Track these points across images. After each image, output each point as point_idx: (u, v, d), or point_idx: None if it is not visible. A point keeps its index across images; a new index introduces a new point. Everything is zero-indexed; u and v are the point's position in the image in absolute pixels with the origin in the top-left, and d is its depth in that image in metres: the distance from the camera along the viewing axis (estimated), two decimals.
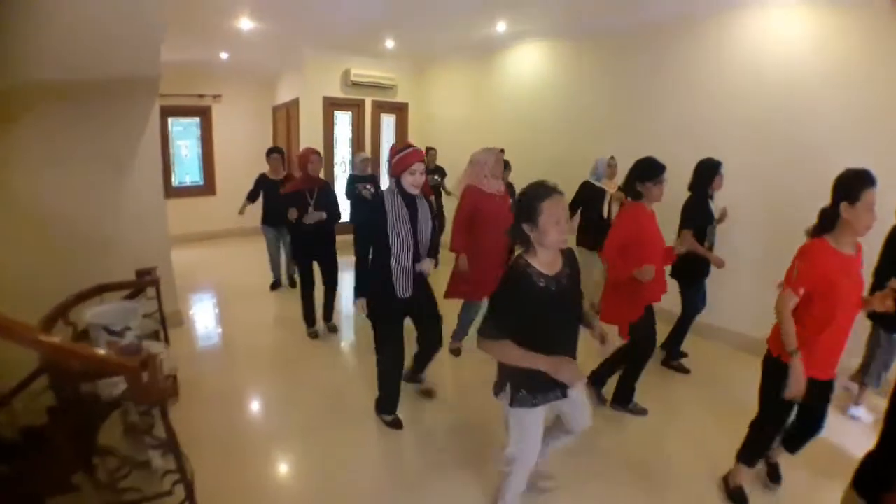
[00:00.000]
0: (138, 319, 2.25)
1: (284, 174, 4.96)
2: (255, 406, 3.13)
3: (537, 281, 1.63)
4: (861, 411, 2.98)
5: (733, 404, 3.02)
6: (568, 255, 1.78)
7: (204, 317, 4.66)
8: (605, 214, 4.14)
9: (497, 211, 3.18)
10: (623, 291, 2.66)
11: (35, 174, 2.99)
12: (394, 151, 2.57)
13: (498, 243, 3.22)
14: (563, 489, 2.30)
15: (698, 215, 3.20)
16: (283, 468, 2.53)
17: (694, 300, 3.44)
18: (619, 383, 2.97)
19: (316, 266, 3.92)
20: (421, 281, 2.67)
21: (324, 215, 3.72)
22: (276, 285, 5.34)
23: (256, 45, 5.86)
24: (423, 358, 2.99)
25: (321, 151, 4.39)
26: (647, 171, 2.58)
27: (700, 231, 3.18)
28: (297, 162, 3.94)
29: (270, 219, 4.97)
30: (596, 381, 3.05)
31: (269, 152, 4.96)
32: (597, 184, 4.19)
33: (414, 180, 2.51)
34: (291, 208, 3.67)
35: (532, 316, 1.63)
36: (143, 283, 2.76)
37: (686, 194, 3.30)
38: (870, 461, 1.78)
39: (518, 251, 1.76)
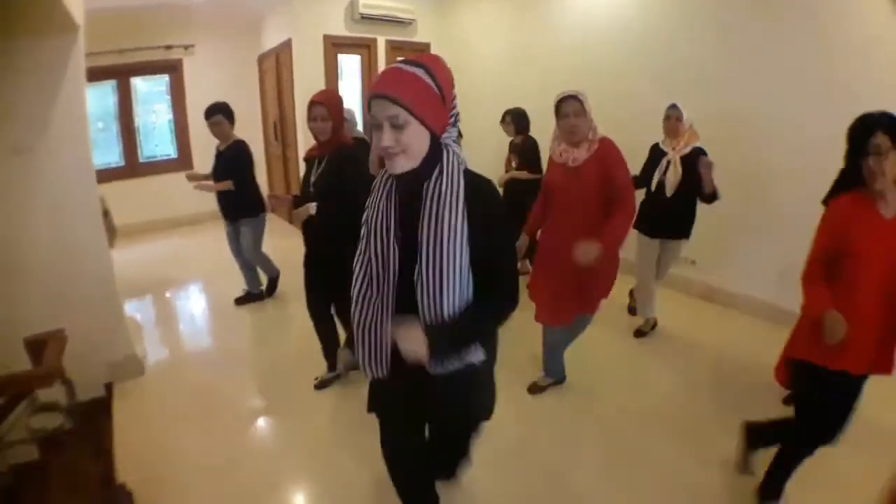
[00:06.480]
0: None
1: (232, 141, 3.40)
2: None
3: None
4: None
5: None
6: None
7: (177, 356, 3.19)
8: (654, 186, 2.84)
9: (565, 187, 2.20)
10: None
11: None
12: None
13: (573, 228, 2.14)
14: None
15: None
16: None
17: None
18: (769, 468, 1.82)
19: None
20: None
21: (312, 209, 2.32)
22: (244, 299, 3.84)
23: None
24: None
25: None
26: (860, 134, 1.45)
27: None
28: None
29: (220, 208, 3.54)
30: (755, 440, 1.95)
31: (209, 113, 3.29)
32: (660, 145, 2.89)
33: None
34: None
35: None
36: (29, 383, 1.41)
37: None
38: None
39: None
